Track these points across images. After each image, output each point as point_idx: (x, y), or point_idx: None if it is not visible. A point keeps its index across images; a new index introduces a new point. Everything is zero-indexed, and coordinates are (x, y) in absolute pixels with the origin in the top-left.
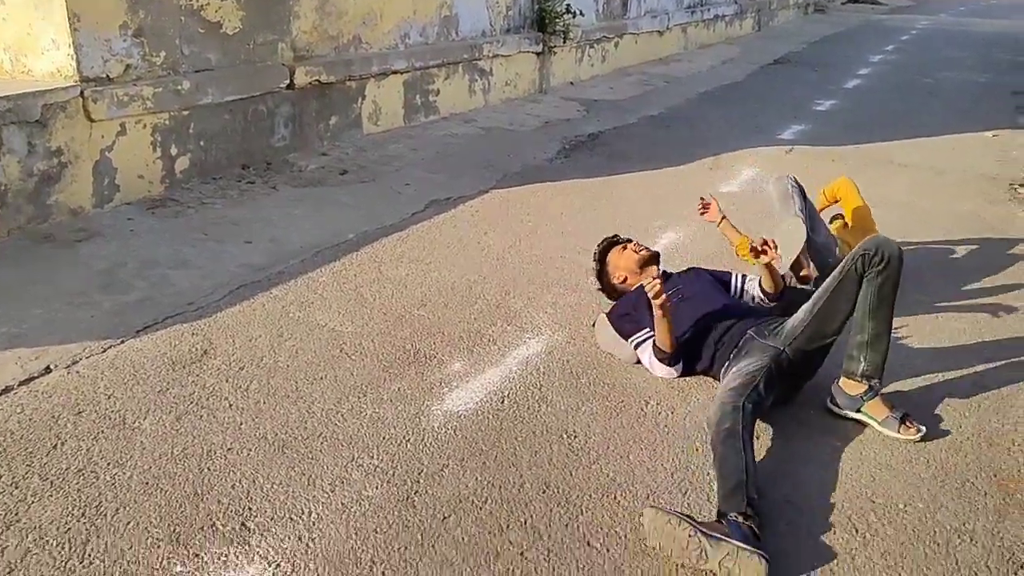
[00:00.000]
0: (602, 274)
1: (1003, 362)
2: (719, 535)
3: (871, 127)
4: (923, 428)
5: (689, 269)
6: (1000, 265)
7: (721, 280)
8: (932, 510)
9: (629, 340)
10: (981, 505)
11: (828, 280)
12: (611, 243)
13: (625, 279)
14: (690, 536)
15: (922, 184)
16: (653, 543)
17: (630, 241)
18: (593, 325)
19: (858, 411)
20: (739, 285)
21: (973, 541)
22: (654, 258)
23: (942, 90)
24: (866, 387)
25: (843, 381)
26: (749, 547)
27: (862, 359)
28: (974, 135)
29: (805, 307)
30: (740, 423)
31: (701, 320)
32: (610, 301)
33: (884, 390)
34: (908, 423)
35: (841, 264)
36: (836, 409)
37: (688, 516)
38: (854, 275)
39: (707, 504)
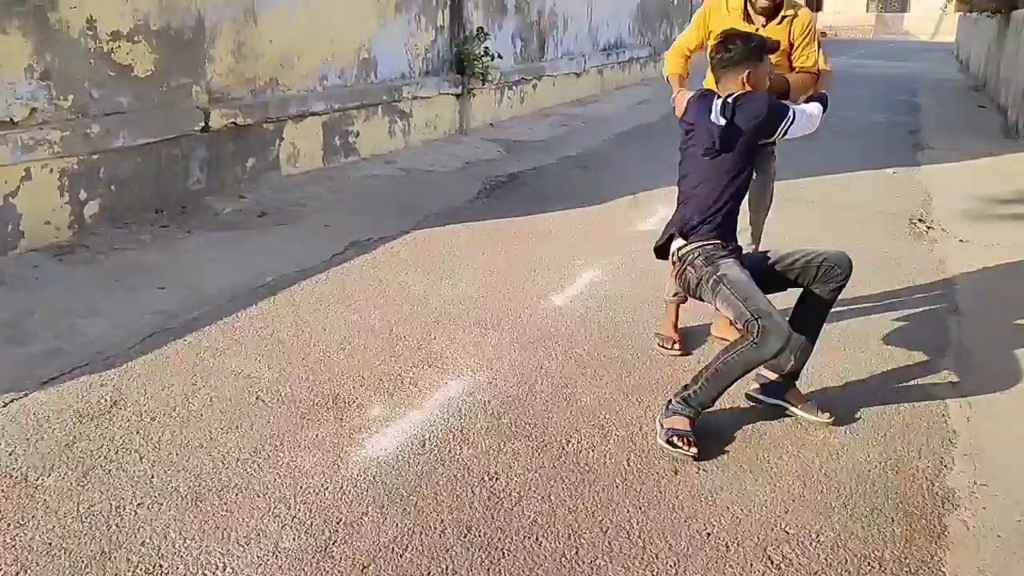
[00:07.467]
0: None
1: (907, 391)
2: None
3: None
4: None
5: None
6: (903, 297)
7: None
8: (843, 539)
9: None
10: (889, 533)
11: (787, 260)
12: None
13: (751, 79)
14: None
15: (828, 220)
16: None
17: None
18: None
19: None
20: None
21: (882, 568)
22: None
23: (844, 129)
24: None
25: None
26: None
27: (793, 358)
28: (875, 172)
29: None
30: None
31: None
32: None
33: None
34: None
35: (806, 257)
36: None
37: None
38: (810, 274)
39: (627, 541)
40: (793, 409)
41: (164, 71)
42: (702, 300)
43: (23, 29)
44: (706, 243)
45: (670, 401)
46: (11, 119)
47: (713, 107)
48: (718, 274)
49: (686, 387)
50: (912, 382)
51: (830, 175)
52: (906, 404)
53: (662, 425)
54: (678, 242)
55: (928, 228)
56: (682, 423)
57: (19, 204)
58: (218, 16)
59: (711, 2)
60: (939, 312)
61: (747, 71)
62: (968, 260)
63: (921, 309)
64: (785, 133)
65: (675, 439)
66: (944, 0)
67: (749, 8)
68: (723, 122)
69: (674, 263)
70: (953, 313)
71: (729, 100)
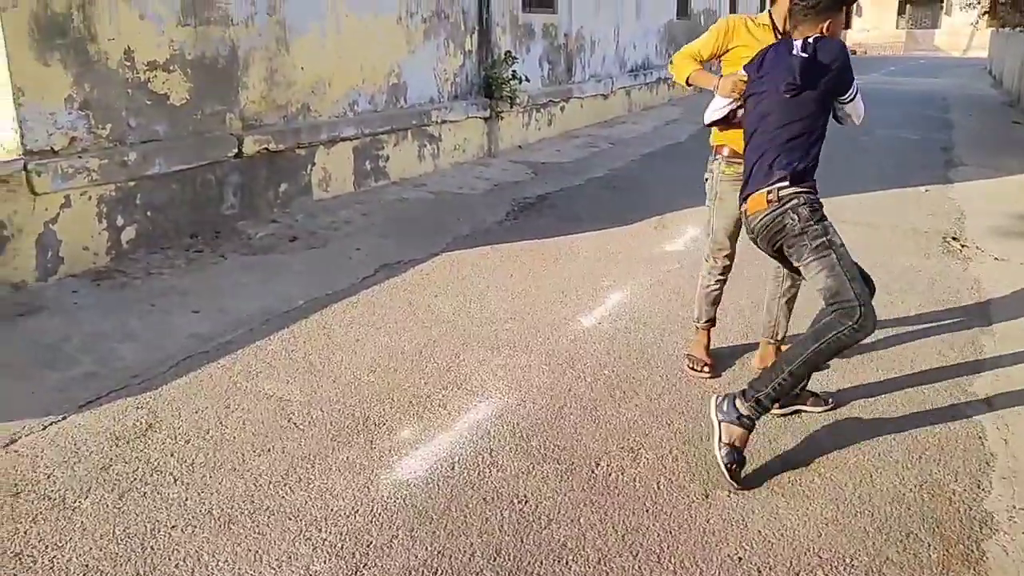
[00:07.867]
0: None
1: (942, 412)
2: None
3: None
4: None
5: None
6: (938, 316)
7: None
8: (878, 564)
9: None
10: (925, 558)
11: (845, 258)
12: None
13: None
14: None
15: (859, 239)
16: None
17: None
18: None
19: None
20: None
21: None
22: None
23: (876, 147)
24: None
25: None
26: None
27: None
28: (907, 190)
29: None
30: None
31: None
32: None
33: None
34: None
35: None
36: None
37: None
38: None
39: (657, 565)
40: (803, 408)
41: (199, 99)
42: (778, 248)
43: (64, 61)
44: (810, 192)
45: (734, 402)
46: (52, 148)
47: (794, 46)
48: (828, 237)
49: (756, 388)
50: (948, 403)
51: (862, 193)
52: (941, 425)
53: (722, 432)
54: (781, 183)
55: (962, 246)
56: (741, 437)
57: (59, 231)
58: (251, 45)
59: (734, 20)
60: (975, 331)
61: (828, 20)
62: (1004, 279)
63: (956, 328)
64: (852, 98)
65: (733, 466)
66: (976, 16)
67: (777, 24)
68: (806, 55)
69: (769, 201)
70: (989, 332)
71: (810, 40)
